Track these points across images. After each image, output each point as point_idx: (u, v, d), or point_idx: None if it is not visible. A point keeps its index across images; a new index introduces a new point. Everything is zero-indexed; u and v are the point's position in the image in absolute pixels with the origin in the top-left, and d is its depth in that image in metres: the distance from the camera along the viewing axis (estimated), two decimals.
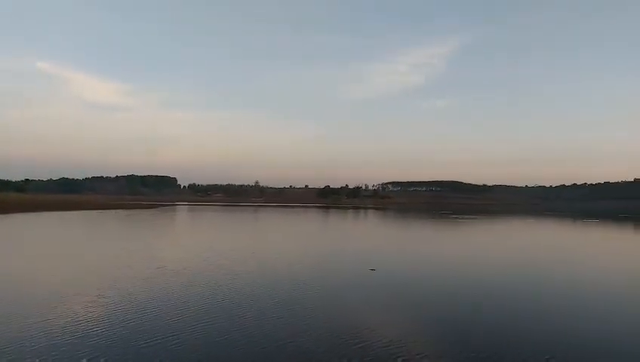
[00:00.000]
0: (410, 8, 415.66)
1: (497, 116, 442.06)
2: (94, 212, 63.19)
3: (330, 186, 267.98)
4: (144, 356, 7.68)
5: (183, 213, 69.90)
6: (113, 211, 67.13)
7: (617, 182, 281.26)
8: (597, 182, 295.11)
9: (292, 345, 8.37)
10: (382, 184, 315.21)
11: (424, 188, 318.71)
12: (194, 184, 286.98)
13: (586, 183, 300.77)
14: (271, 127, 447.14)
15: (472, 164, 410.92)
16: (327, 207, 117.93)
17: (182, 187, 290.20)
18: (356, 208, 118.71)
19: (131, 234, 32.63)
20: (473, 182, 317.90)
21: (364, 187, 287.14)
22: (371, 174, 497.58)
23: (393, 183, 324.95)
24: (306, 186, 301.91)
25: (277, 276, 15.64)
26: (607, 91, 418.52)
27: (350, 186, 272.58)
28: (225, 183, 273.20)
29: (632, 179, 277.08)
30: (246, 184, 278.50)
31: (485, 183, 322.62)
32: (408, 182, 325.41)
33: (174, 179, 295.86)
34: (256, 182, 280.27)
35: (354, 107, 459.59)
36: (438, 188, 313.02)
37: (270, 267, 17.76)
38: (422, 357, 7.81)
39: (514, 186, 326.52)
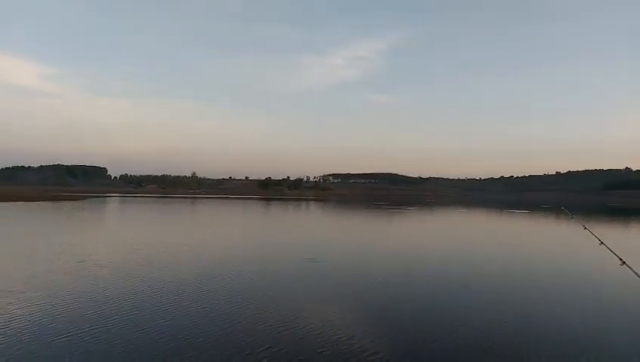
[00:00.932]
0: (349, 2, 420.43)
1: (432, 112, 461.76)
2: (14, 203, 58.16)
3: (272, 178, 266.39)
4: (54, 352, 7.11)
5: (112, 205, 66.29)
6: (35, 203, 62.20)
7: (541, 175, 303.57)
8: (523, 175, 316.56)
9: (219, 337, 8.14)
10: (323, 176, 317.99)
11: (363, 180, 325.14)
12: (126, 175, 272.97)
13: (512, 176, 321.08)
14: (209, 117, 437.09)
15: (409, 158, 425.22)
16: (269, 199, 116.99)
17: (113, 178, 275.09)
18: (298, 199, 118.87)
19: (54, 228, 30.41)
20: (409, 175, 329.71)
21: (305, 179, 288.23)
22: (313, 166, 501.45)
23: (334, 175, 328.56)
24: (247, 178, 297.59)
25: (209, 267, 15.20)
26: (532, 91, 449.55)
27: (292, 178, 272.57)
28: (160, 174, 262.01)
29: (555, 173, 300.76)
30: (182, 175, 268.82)
31: (420, 176, 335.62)
32: (348, 174, 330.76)
33: (104, 170, 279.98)
34: (194, 173, 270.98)
35: (294, 99, 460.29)
36: (377, 181, 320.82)
37: (203, 259, 17.24)
38: (350, 343, 7.92)
39: (447, 179, 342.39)
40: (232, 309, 9.98)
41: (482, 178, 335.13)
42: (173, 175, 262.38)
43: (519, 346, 7.96)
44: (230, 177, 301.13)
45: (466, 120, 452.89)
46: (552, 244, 26.51)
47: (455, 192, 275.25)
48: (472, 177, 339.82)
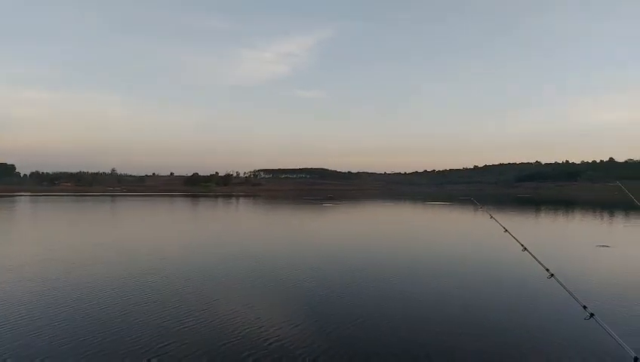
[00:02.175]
0: None
1: (360, 108, 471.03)
2: None
3: (199, 174, 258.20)
4: None
5: (21, 205, 60.73)
6: None
7: (460, 169, 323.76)
8: (444, 168, 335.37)
9: (127, 335, 7.71)
10: (253, 171, 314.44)
11: (294, 176, 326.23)
12: (37, 172, 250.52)
13: (434, 170, 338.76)
14: (131, 110, 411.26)
15: (339, 153, 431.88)
16: (196, 196, 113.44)
17: (22, 175, 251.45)
18: (227, 196, 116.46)
19: None
20: (339, 170, 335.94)
21: (235, 174, 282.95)
22: (243, 162, 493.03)
23: (265, 170, 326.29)
24: (172, 174, 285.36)
25: (121, 268, 14.34)
26: (453, 90, 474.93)
27: (221, 174, 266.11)
28: (75, 171, 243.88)
29: (473, 167, 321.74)
30: (101, 172, 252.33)
31: (350, 170, 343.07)
32: (279, 169, 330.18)
33: (12, 167, 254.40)
34: (113, 170, 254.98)
35: (223, 93, 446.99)
36: (307, 176, 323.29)
37: (117, 259, 16.24)
38: (262, 335, 7.90)
39: (375, 173, 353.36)
40: (142, 308, 9.55)
41: (407, 172, 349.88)
42: (90, 172, 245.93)
43: (422, 326, 8.42)
44: (154, 173, 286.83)
45: (392, 117, 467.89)
46: (462, 233, 28.14)
47: (381, 185, 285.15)
48: (398, 171, 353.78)
